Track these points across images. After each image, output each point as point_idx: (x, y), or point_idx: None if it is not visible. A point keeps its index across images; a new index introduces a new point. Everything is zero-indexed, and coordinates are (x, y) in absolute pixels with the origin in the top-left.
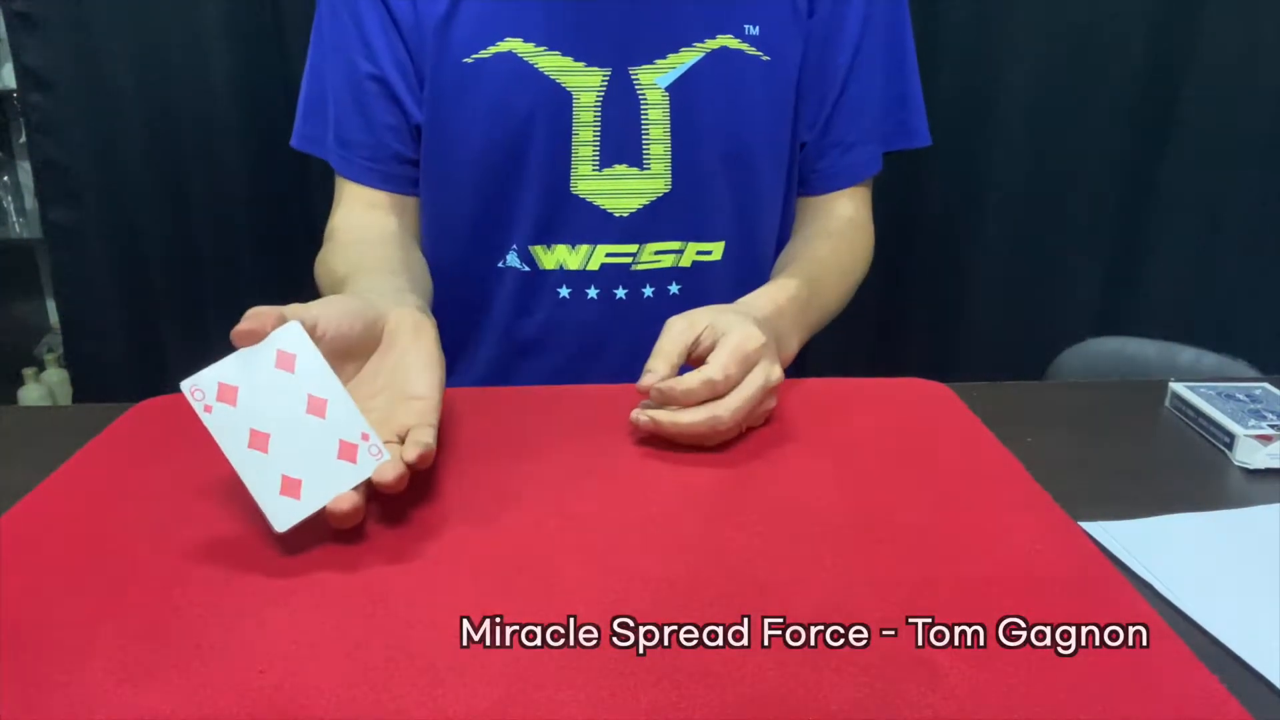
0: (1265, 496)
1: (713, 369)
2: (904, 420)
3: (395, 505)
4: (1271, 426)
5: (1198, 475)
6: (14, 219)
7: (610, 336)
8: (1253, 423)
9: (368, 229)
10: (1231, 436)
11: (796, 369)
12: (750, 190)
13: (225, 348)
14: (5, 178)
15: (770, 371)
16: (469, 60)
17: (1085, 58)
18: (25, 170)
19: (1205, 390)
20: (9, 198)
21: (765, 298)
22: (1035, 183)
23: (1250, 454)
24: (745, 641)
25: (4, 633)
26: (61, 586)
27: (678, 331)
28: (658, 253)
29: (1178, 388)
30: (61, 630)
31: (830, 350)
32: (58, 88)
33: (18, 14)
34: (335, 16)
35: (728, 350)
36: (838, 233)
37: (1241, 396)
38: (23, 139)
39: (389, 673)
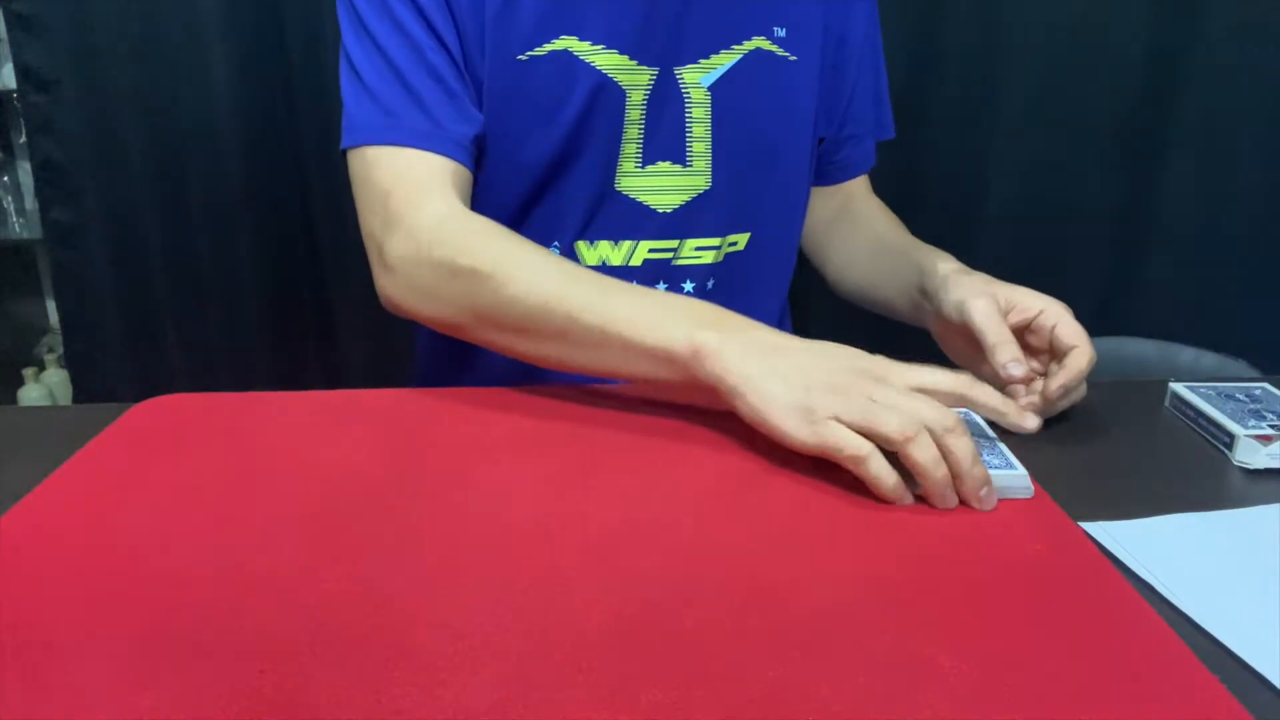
0: (1265, 496)
1: (1075, 373)
2: None
3: (396, 504)
4: (1271, 426)
5: (1198, 475)
6: (14, 219)
7: None
8: (1253, 423)
9: (488, 222)
10: (1231, 436)
11: None
12: (778, 185)
13: (225, 347)
14: (5, 178)
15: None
16: (523, 58)
17: (1085, 58)
18: (25, 170)
19: (1205, 390)
20: (9, 198)
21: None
22: (1035, 183)
23: (1250, 454)
24: (745, 641)
25: (4, 633)
26: (61, 586)
27: (997, 319)
28: (698, 249)
29: (1178, 388)
30: (61, 630)
31: None
32: (58, 88)
33: (18, 14)
34: (391, 9)
35: (1076, 325)
36: (880, 209)
37: (1241, 396)
38: (23, 139)
39: (389, 673)
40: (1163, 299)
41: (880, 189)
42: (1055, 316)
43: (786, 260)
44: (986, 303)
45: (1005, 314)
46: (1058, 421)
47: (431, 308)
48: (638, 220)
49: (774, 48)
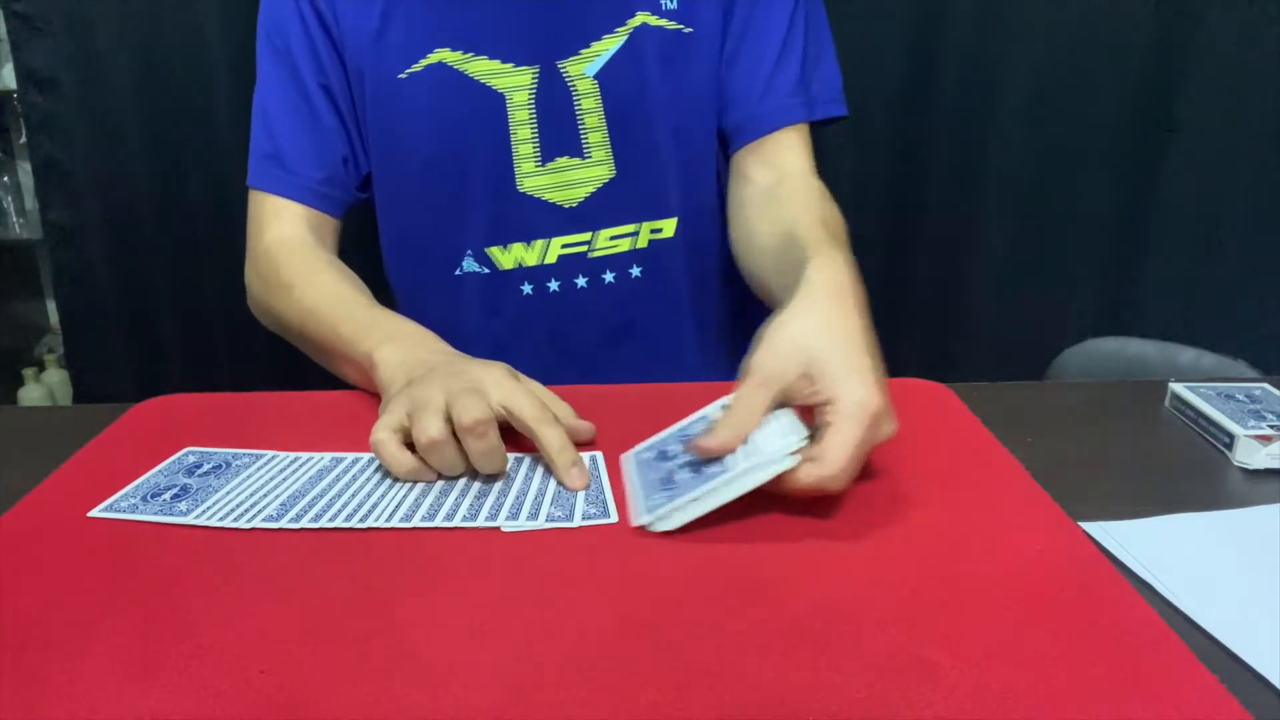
0: (1265, 496)
1: (834, 465)
2: (904, 420)
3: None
4: (1271, 426)
5: (1198, 475)
6: (14, 219)
7: (578, 326)
8: (1252, 423)
9: (315, 248)
10: (1231, 437)
11: None
12: (693, 162)
13: (226, 347)
14: (5, 178)
15: (885, 431)
16: (403, 76)
17: (1086, 57)
18: (25, 170)
19: (1205, 390)
20: (9, 198)
21: (844, 307)
22: (1035, 183)
23: (1250, 454)
24: (745, 641)
25: (4, 633)
26: (61, 586)
27: (757, 403)
28: (613, 238)
29: (1178, 388)
30: (61, 630)
31: None
32: (58, 88)
33: (18, 14)
34: (283, 35)
35: (849, 444)
36: (814, 193)
37: (1241, 397)
38: (23, 139)
39: (389, 673)
40: (1163, 299)
41: (880, 189)
42: (833, 416)
43: (714, 239)
44: (756, 380)
45: (799, 387)
46: (1060, 421)
47: (263, 315)
48: (545, 218)
49: (662, 21)
